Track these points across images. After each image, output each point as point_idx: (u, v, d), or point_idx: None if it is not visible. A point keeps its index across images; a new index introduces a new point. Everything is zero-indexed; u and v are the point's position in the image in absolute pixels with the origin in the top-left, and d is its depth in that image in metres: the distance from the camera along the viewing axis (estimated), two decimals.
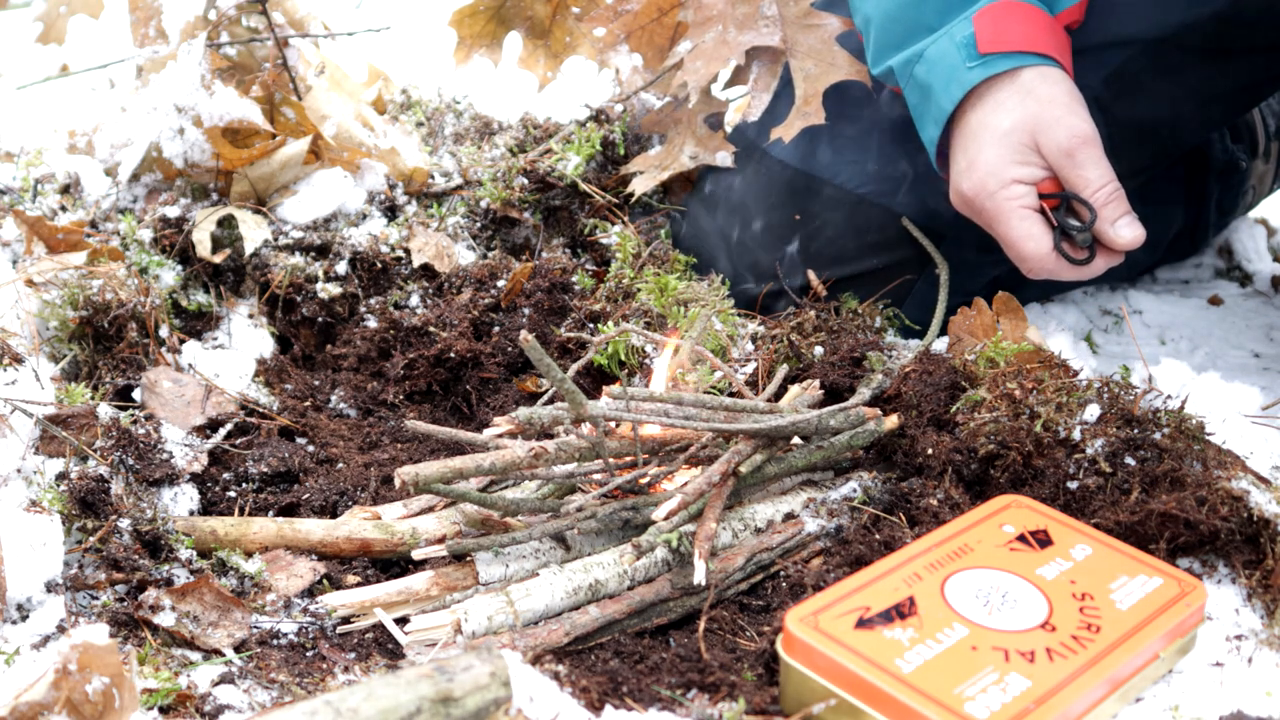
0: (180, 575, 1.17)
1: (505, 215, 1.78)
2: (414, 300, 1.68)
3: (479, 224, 1.78)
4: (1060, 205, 1.33)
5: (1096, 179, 1.30)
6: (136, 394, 1.45)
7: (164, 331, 1.54)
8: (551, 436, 1.27)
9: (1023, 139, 1.31)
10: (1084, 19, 1.42)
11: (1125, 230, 1.31)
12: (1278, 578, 1.12)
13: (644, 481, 1.26)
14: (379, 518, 1.28)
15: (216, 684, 1.04)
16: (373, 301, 1.68)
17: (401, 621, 1.15)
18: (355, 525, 1.26)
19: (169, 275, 1.60)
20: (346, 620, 1.16)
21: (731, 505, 1.28)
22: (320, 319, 1.68)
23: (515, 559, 1.20)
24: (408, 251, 1.70)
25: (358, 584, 1.22)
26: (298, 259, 1.67)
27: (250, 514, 1.35)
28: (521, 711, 0.93)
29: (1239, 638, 1.09)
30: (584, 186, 1.76)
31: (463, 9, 1.86)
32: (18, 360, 1.36)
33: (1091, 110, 1.34)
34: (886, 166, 1.55)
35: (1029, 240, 1.32)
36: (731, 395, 1.44)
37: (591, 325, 1.58)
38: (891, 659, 0.98)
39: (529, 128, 1.90)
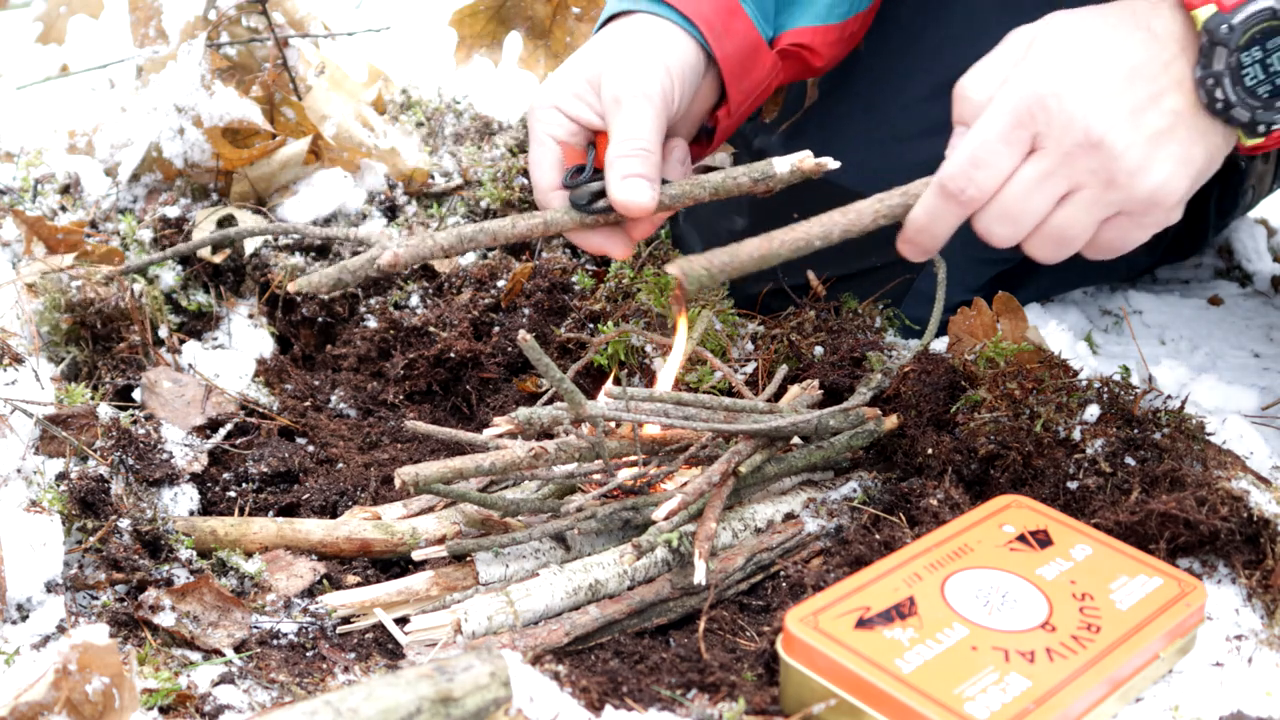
0: (180, 575, 1.17)
1: (505, 215, 1.78)
2: (414, 300, 1.68)
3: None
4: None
5: (624, 129, 1.18)
6: (136, 394, 1.45)
7: (164, 331, 1.54)
8: (551, 436, 1.27)
9: (590, 76, 1.23)
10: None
11: (627, 190, 1.17)
12: (1278, 578, 1.12)
13: (644, 481, 1.26)
14: (379, 518, 1.28)
15: (216, 684, 1.04)
16: (373, 301, 1.68)
17: (401, 621, 1.15)
18: (355, 525, 1.26)
19: (169, 275, 1.60)
20: (346, 620, 1.16)
21: (731, 505, 1.28)
22: (320, 319, 1.68)
23: (515, 559, 1.20)
24: None
25: (358, 584, 1.22)
26: (298, 259, 1.67)
27: (250, 514, 1.35)
28: (521, 711, 0.93)
29: (1239, 638, 1.09)
30: None
31: (463, 9, 1.86)
32: (18, 360, 1.36)
33: None
34: (884, 164, 1.55)
35: (535, 167, 1.24)
36: (731, 395, 1.44)
37: (591, 325, 1.58)
38: (891, 659, 0.98)
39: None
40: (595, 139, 1.23)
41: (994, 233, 1.09)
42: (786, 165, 1.18)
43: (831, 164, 1.18)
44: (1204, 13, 1.05)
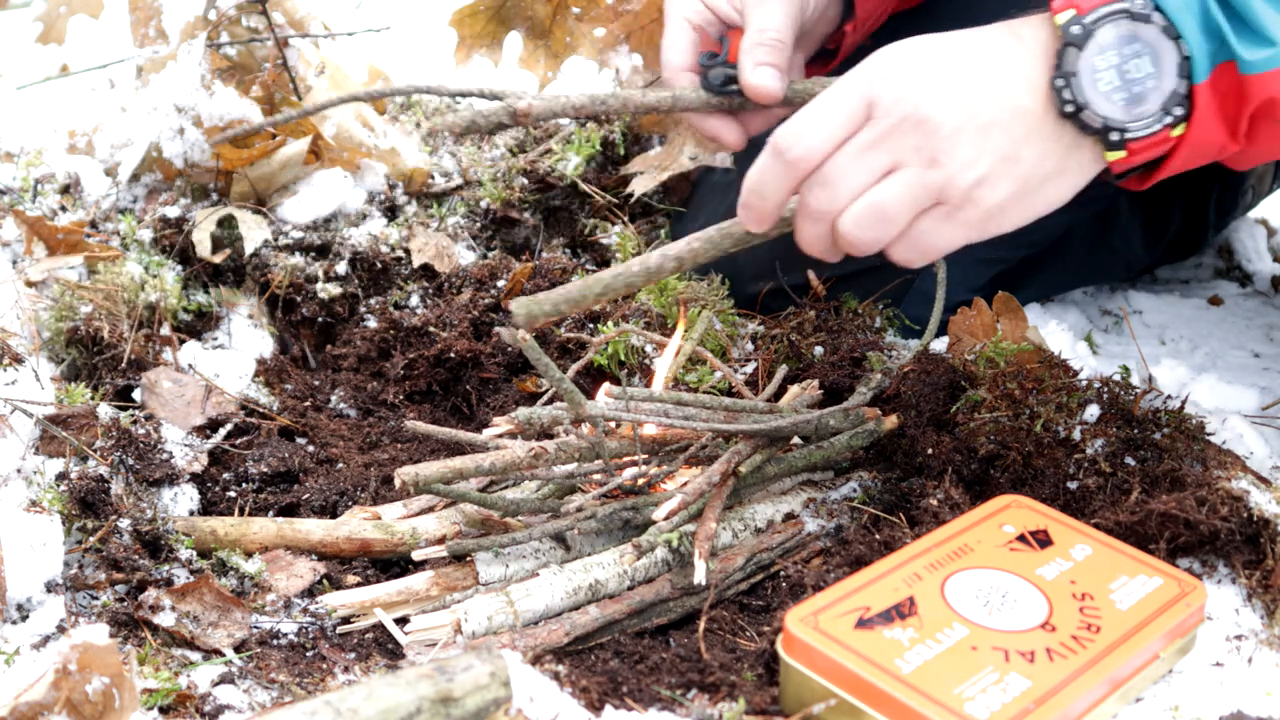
0: (180, 575, 1.17)
1: (505, 215, 1.78)
2: (414, 300, 1.68)
3: (479, 224, 1.78)
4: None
5: (761, 20, 1.23)
6: (136, 394, 1.45)
7: (164, 331, 1.54)
8: (552, 436, 1.27)
9: None
10: None
11: (759, 75, 1.21)
12: (1278, 578, 1.12)
13: (644, 481, 1.26)
14: (379, 518, 1.28)
15: (216, 684, 1.04)
16: (373, 301, 1.68)
17: (401, 621, 1.15)
18: (355, 525, 1.26)
19: (169, 275, 1.60)
20: (346, 620, 1.16)
21: (731, 505, 1.28)
22: (320, 319, 1.68)
23: (515, 559, 1.20)
24: (408, 251, 1.70)
25: (358, 584, 1.22)
26: (298, 259, 1.67)
27: (250, 514, 1.34)
28: (521, 711, 0.93)
29: (1239, 638, 1.09)
30: (584, 187, 1.76)
31: (463, 9, 1.86)
32: (18, 360, 1.36)
33: None
34: None
35: (669, 48, 1.30)
36: (731, 395, 1.44)
37: (591, 325, 1.58)
38: (891, 659, 0.98)
39: (529, 127, 1.90)
40: (728, 33, 1.30)
41: (813, 197, 1.06)
42: None
43: None
44: (1063, 16, 1.03)
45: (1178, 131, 1.04)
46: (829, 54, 1.43)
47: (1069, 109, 1.03)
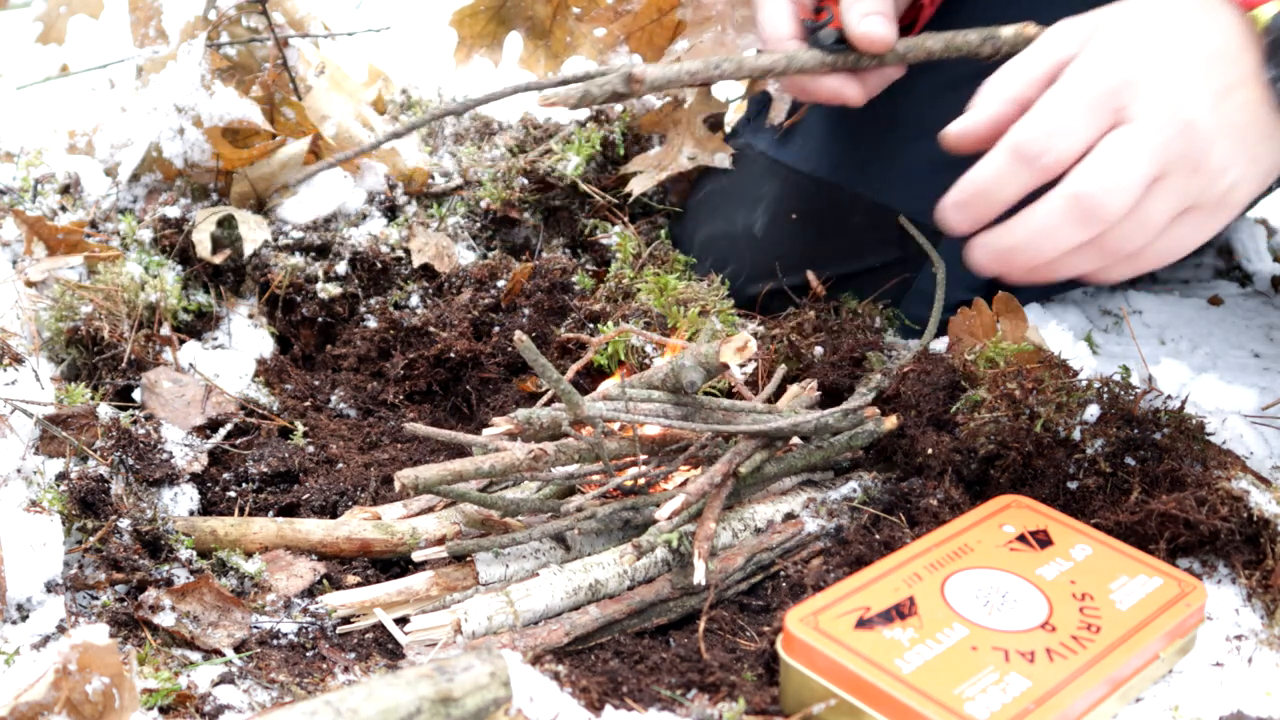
0: (180, 575, 1.17)
1: (505, 215, 1.77)
2: (414, 300, 1.68)
3: (479, 224, 1.78)
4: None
5: None
6: (136, 394, 1.45)
7: (164, 331, 1.54)
8: (554, 437, 1.27)
9: None
10: None
11: (868, 24, 1.22)
12: (1278, 578, 1.12)
13: (643, 482, 1.26)
14: (379, 518, 1.28)
15: (216, 684, 1.04)
16: (373, 301, 1.68)
17: (401, 621, 1.15)
18: (355, 525, 1.26)
19: (169, 275, 1.60)
20: (346, 620, 1.16)
21: (731, 505, 1.28)
22: (320, 319, 1.68)
23: (515, 559, 1.20)
24: (408, 251, 1.70)
25: (358, 584, 1.22)
26: (298, 259, 1.67)
27: (250, 514, 1.34)
28: (521, 711, 0.93)
29: (1239, 638, 1.09)
30: (584, 187, 1.76)
31: (463, 9, 1.86)
32: (18, 360, 1.36)
33: None
34: (883, 164, 1.55)
35: (769, 20, 1.29)
36: (731, 395, 1.44)
37: (591, 325, 1.58)
38: (891, 659, 0.98)
39: (529, 128, 1.90)
40: (823, 1, 1.31)
41: (1099, 200, 0.96)
42: (1011, 30, 1.24)
43: None
44: (1267, 11, 0.99)
45: None
46: (903, 30, 1.40)
47: None
